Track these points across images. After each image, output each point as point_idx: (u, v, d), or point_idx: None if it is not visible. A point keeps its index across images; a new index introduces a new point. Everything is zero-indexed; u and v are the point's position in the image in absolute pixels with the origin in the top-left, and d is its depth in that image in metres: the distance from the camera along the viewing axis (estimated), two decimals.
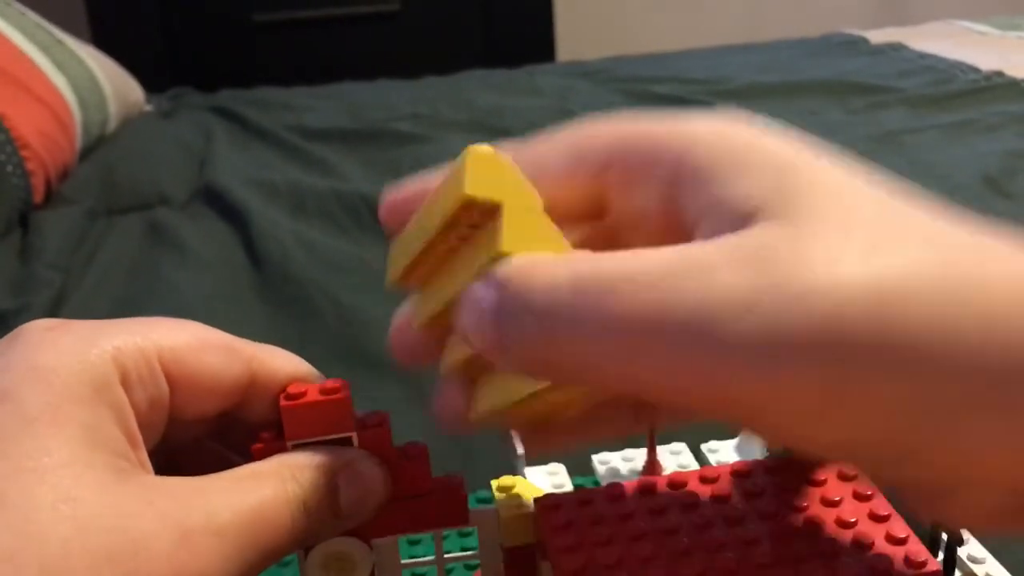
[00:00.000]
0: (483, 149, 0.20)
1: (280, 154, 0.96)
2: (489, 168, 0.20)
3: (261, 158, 0.94)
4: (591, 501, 0.24)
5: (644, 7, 2.33)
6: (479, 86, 1.22)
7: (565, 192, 0.22)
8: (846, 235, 0.17)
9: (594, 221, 0.22)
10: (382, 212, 0.24)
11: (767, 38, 1.56)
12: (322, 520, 0.23)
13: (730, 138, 0.20)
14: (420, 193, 0.23)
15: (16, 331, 0.23)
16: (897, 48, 1.29)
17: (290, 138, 0.99)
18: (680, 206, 0.20)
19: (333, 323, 0.57)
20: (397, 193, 0.24)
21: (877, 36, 1.39)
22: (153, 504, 0.20)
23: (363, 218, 0.73)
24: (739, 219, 0.18)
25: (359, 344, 0.55)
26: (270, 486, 0.22)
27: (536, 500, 0.24)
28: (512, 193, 0.20)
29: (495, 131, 0.97)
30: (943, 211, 0.19)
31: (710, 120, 0.20)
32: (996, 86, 1.03)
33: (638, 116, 0.21)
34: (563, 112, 1.01)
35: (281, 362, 0.25)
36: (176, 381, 0.24)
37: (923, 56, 1.22)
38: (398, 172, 0.86)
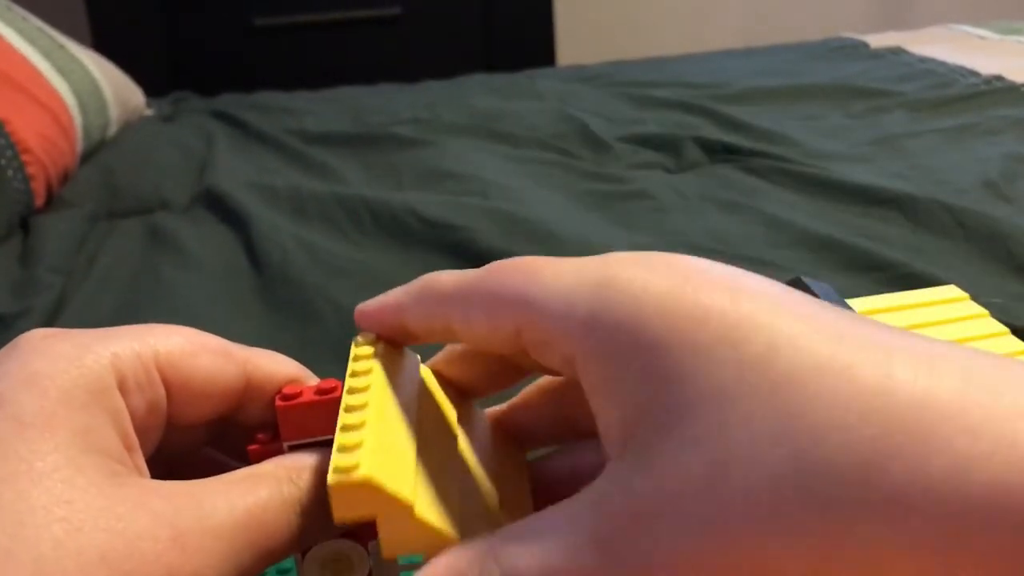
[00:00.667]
0: (343, 471, 0.20)
1: (281, 158, 0.96)
2: (353, 491, 0.20)
3: (262, 162, 0.95)
4: None
5: (644, 12, 2.33)
6: (480, 90, 1.22)
7: (492, 343, 0.23)
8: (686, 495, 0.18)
9: (526, 359, 0.23)
10: (358, 320, 0.25)
11: (768, 42, 1.56)
12: (319, 522, 0.23)
13: (610, 343, 0.20)
14: (386, 310, 0.24)
15: (15, 340, 0.23)
16: (897, 52, 1.29)
17: (291, 142, 0.99)
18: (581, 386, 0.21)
19: (333, 326, 0.57)
20: (368, 308, 0.25)
21: (877, 40, 1.39)
22: (147, 506, 0.20)
23: (364, 222, 0.73)
24: (614, 448, 0.20)
25: None
26: (266, 488, 0.22)
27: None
28: (383, 502, 0.20)
29: (496, 135, 0.97)
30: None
31: (593, 309, 0.20)
32: (996, 90, 1.03)
33: (540, 284, 0.22)
34: (564, 116, 1.01)
35: (276, 365, 0.25)
36: (172, 385, 0.24)
37: (923, 60, 1.22)
38: (398, 176, 0.86)
